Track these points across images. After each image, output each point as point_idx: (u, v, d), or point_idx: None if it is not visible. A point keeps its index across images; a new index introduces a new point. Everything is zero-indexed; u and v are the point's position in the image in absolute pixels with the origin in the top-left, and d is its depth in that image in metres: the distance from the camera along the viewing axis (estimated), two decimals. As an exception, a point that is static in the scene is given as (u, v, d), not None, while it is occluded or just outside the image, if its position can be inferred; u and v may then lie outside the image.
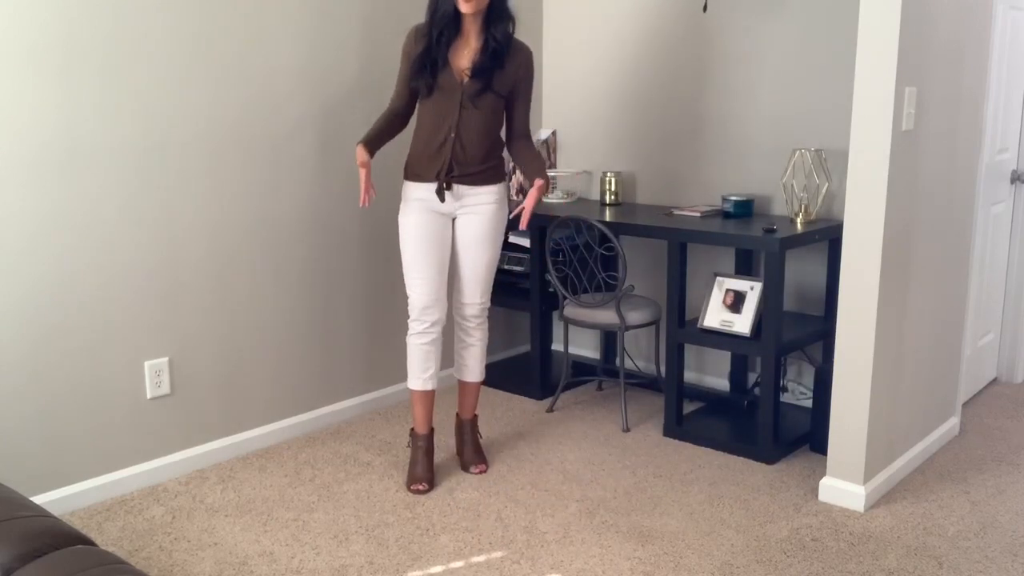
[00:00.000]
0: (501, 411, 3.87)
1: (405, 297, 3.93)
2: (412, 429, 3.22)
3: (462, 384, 3.31)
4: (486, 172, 3.04)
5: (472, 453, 3.29)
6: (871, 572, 2.58)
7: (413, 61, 2.94)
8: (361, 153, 2.95)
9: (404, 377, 4.02)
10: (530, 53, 3.03)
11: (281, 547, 2.73)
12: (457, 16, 2.88)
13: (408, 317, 3.13)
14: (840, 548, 2.71)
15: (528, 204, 2.96)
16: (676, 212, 3.79)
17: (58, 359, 2.88)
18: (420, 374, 3.13)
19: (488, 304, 3.22)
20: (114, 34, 2.88)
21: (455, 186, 3.01)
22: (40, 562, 1.49)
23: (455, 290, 3.21)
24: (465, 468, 3.26)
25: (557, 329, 4.52)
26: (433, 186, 3.01)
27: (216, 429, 3.34)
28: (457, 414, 3.36)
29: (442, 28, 2.88)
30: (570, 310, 3.77)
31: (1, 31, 2.64)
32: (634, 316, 3.66)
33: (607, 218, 3.73)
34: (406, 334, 3.17)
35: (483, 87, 2.92)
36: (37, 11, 2.70)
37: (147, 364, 3.10)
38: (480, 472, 3.24)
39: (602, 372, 4.24)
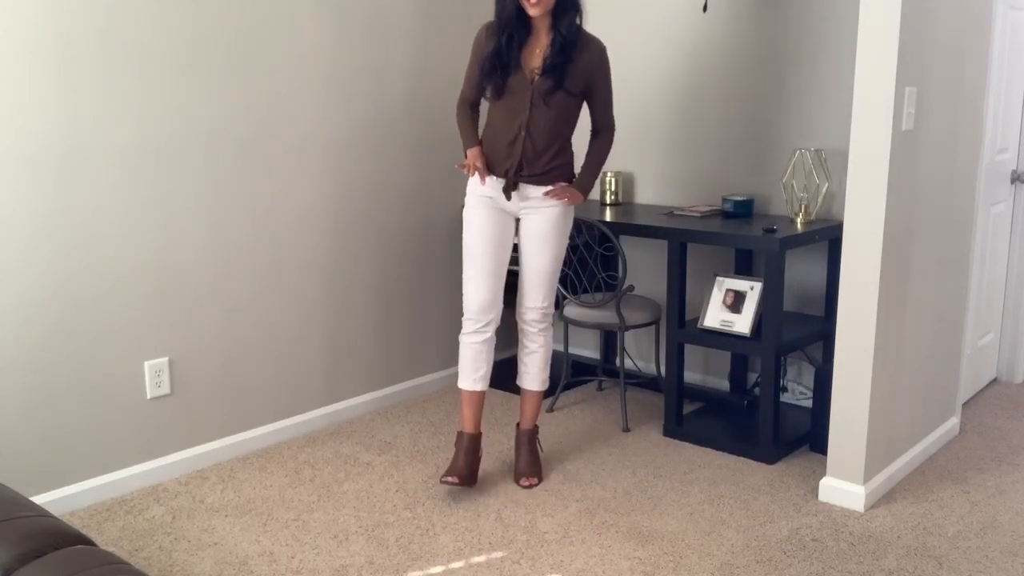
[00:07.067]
0: (501, 411, 3.87)
1: (407, 297, 3.96)
2: (459, 432, 3.11)
3: (523, 392, 3.23)
4: (554, 171, 2.98)
5: (526, 464, 3.17)
6: (871, 572, 2.58)
7: (483, 62, 2.89)
8: (477, 153, 2.99)
9: (406, 377, 4.02)
10: (603, 46, 2.97)
11: (281, 547, 2.73)
12: (523, 16, 2.82)
13: (463, 316, 3.07)
14: (840, 548, 2.71)
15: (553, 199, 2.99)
16: (676, 212, 3.79)
17: (58, 359, 2.88)
18: (471, 374, 3.07)
19: (552, 310, 3.12)
20: (115, 34, 2.88)
21: (521, 185, 2.97)
22: (40, 562, 1.49)
23: (517, 293, 3.13)
24: (516, 479, 3.15)
25: (557, 329, 4.52)
26: (501, 182, 2.97)
27: (216, 429, 3.34)
28: (517, 423, 3.26)
29: (510, 30, 2.83)
30: (570, 310, 3.77)
31: (1, 31, 2.64)
32: (634, 316, 3.66)
33: (607, 218, 3.73)
34: (460, 333, 3.10)
35: (554, 86, 2.86)
36: (37, 11, 2.70)
37: (147, 364, 3.10)
38: (529, 486, 3.11)
39: (602, 372, 4.24)
